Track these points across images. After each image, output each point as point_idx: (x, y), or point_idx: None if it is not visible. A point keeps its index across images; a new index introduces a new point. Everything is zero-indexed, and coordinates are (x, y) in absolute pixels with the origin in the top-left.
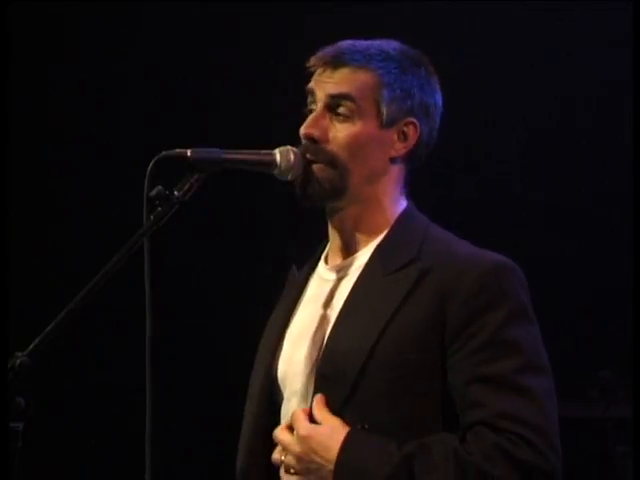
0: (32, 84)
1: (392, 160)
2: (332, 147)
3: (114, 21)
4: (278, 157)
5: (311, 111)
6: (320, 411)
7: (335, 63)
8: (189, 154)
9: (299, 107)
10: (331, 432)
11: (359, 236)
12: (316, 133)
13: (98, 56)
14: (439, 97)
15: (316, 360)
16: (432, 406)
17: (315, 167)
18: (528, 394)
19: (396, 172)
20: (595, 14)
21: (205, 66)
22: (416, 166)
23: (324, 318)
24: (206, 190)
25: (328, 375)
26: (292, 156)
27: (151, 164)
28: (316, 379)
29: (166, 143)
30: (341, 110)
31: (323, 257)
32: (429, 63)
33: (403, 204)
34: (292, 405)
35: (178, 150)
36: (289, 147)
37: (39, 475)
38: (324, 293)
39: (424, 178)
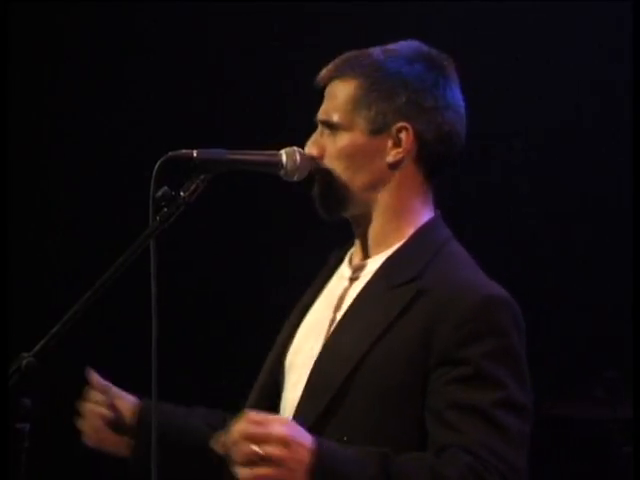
0: (37, 84)
1: (392, 166)
2: (328, 161)
3: (120, 19)
4: (284, 158)
5: None
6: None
7: (327, 78)
8: (195, 155)
9: (307, 108)
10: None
11: (374, 242)
12: (314, 151)
13: (103, 55)
14: (444, 90)
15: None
16: (412, 427)
17: (318, 183)
18: (504, 431)
19: (404, 177)
20: (595, 14)
21: (211, 66)
22: (437, 166)
23: (331, 317)
24: (212, 190)
25: (317, 376)
26: (298, 157)
27: (157, 165)
28: (308, 377)
29: (172, 144)
30: (330, 127)
31: (348, 255)
32: (435, 60)
33: (425, 216)
34: (290, 395)
35: (184, 151)
36: (295, 148)
37: (46, 475)
38: (338, 291)
39: None
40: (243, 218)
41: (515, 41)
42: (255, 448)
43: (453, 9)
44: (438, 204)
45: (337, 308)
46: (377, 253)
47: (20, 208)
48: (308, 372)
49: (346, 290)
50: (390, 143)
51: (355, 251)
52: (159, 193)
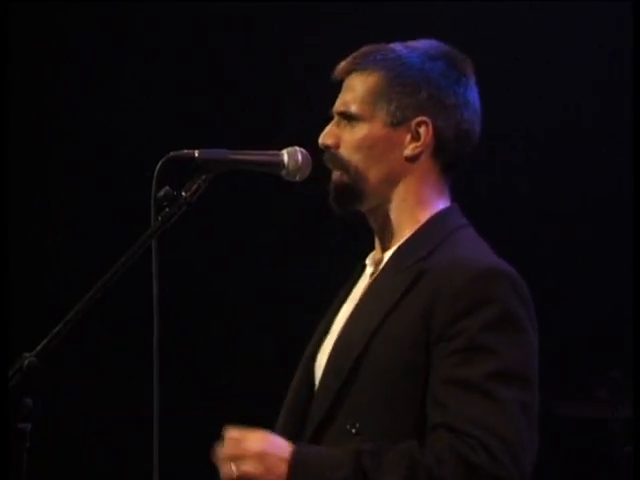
0: (37, 84)
1: (409, 159)
2: (344, 151)
3: (120, 19)
4: (285, 158)
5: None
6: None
7: (346, 71)
8: (196, 155)
9: (307, 108)
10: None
11: (388, 235)
12: (328, 141)
13: (103, 55)
14: (465, 89)
15: None
16: (421, 412)
17: (333, 176)
18: (498, 402)
19: (420, 171)
20: (595, 14)
21: (211, 66)
22: (454, 162)
23: (351, 313)
24: (214, 190)
25: (329, 369)
26: (300, 157)
27: (159, 165)
28: (323, 370)
29: (172, 144)
30: (348, 118)
31: (371, 254)
32: (456, 58)
33: (439, 205)
34: None
35: (186, 151)
36: (297, 148)
37: (47, 475)
38: (361, 289)
39: None
40: (244, 218)
41: (515, 41)
42: (233, 467)
43: (453, 9)
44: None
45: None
46: (394, 245)
47: (20, 208)
48: None
49: (366, 286)
50: (409, 137)
51: (375, 248)
52: (161, 193)
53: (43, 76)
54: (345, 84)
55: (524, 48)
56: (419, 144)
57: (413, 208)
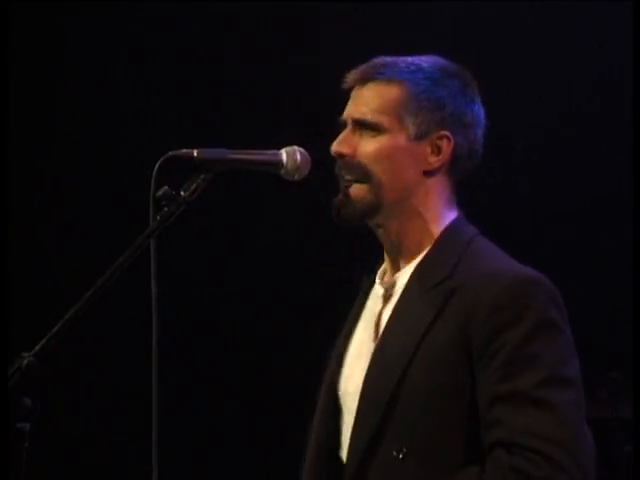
0: (37, 84)
1: (427, 173)
2: (362, 160)
3: (120, 20)
4: (284, 157)
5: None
6: None
7: (363, 79)
8: (195, 154)
9: (307, 108)
10: None
11: (404, 252)
12: (344, 149)
13: (103, 55)
14: (478, 109)
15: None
16: (468, 431)
17: (352, 190)
18: (550, 408)
19: (435, 186)
20: (595, 14)
21: (212, 66)
22: (463, 179)
23: (373, 337)
24: (213, 190)
25: (367, 397)
26: (299, 156)
27: (157, 164)
28: (359, 400)
29: (172, 144)
30: (368, 128)
31: (380, 272)
32: (468, 77)
33: (450, 217)
34: (348, 424)
35: (185, 150)
36: (295, 147)
37: (46, 475)
38: (376, 311)
39: None
40: (243, 218)
41: (515, 41)
42: None
43: (453, 9)
44: None
45: (377, 327)
46: (407, 264)
47: (20, 207)
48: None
49: (382, 309)
50: (429, 150)
51: (386, 266)
52: (159, 193)
53: (43, 76)
54: (360, 92)
55: (524, 48)
56: (439, 158)
57: (427, 222)
